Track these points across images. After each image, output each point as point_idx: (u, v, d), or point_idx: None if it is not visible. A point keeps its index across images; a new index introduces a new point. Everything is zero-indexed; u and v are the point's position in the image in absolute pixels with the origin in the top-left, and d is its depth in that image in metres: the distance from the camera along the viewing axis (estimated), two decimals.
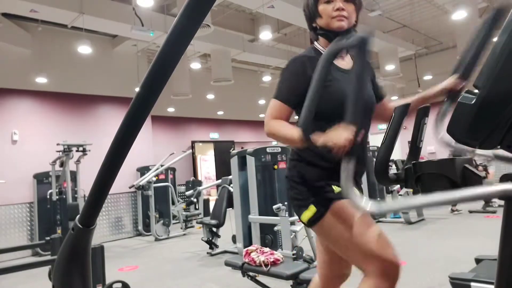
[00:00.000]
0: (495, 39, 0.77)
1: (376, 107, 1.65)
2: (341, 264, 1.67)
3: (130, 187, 6.97)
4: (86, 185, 5.45)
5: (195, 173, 12.06)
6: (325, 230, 1.50)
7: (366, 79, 1.16)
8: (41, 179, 6.54)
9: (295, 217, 4.15)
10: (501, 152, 0.97)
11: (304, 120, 1.24)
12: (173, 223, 7.65)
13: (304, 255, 3.94)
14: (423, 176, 0.98)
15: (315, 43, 1.66)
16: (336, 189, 1.47)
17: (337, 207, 1.46)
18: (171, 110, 10.85)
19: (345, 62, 1.62)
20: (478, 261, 2.33)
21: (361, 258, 1.39)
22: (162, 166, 7.32)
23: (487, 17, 1.20)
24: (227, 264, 3.26)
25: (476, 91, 0.77)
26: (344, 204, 1.46)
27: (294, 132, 1.38)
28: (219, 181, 6.05)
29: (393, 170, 5.56)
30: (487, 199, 6.61)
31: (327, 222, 1.46)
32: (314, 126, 1.28)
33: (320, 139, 1.25)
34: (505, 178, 0.80)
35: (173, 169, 8.59)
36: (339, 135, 1.19)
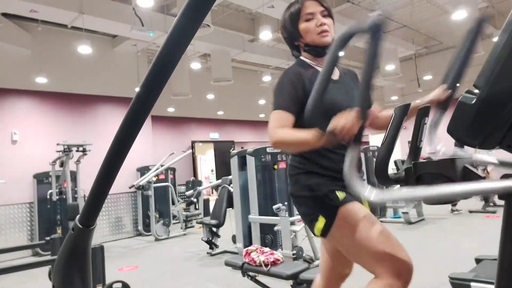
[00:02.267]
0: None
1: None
2: (343, 264, 1.68)
3: (130, 187, 6.97)
4: (86, 185, 5.45)
5: (195, 173, 12.06)
6: (337, 238, 1.49)
7: (378, 65, 1.15)
8: (41, 179, 6.54)
9: (295, 217, 4.15)
10: (505, 158, 0.98)
11: (313, 105, 1.21)
12: (173, 223, 7.65)
13: (304, 255, 3.94)
14: (423, 176, 0.98)
15: (301, 57, 1.68)
16: (340, 195, 1.47)
17: (344, 213, 1.45)
18: (171, 110, 10.85)
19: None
20: (478, 261, 2.33)
21: (374, 261, 1.37)
22: (162, 166, 7.32)
23: (470, 27, 1.23)
24: (227, 264, 3.26)
25: (476, 91, 0.77)
26: (350, 208, 1.45)
27: (305, 133, 1.34)
28: (219, 181, 6.05)
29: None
30: (488, 195, 6.61)
31: (337, 229, 1.45)
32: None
33: (328, 127, 1.24)
34: (507, 176, 0.80)
35: (173, 169, 8.59)
36: (346, 119, 1.20)
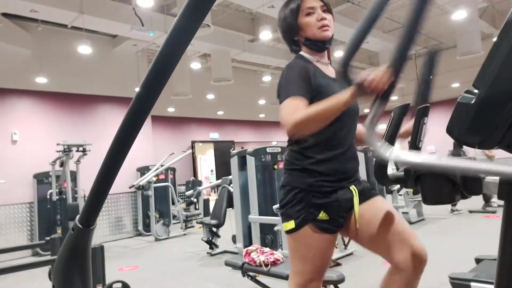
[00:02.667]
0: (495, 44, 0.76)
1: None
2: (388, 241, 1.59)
3: (130, 187, 6.97)
4: (86, 185, 5.45)
5: (195, 173, 12.06)
6: (289, 243, 1.60)
7: (422, 24, 1.08)
8: (41, 179, 6.54)
9: None
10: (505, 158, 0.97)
11: (348, 52, 1.12)
12: (173, 223, 7.66)
13: None
14: (423, 176, 0.98)
15: (301, 53, 1.67)
16: (322, 216, 1.50)
17: (305, 233, 1.52)
18: (171, 110, 10.85)
19: (330, 71, 1.65)
20: (478, 261, 2.33)
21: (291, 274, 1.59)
22: (162, 166, 7.32)
23: (424, 59, 1.31)
24: (227, 264, 3.26)
25: (476, 91, 0.77)
26: (312, 236, 1.52)
27: (330, 99, 1.30)
28: (219, 181, 6.05)
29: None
30: (488, 195, 6.59)
31: (292, 239, 1.57)
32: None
33: (359, 76, 1.19)
34: None
35: (173, 169, 8.59)
36: (377, 73, 1.15)
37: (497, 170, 0.71)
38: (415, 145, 1.14)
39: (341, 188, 1.54)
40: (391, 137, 1.12)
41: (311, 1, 1.59)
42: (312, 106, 1.37)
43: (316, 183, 1.52)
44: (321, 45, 1.61)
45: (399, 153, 0.82)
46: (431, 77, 1.27)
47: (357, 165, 1.66)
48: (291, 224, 1.53)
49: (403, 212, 6.55)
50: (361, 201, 1.55)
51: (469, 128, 0.78)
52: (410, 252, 1.44)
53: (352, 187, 1.56)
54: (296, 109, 1.38)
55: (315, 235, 1.51)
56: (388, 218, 1.50)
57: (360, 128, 1.70)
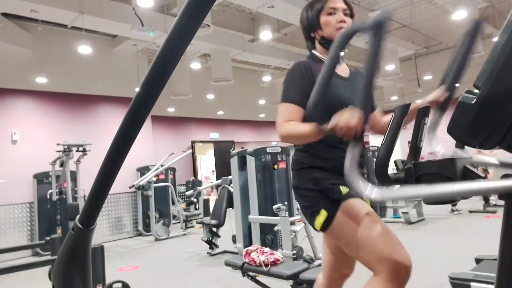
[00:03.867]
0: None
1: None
2: (346, 263, 1.68)
3: (130, 187, 6.97)
4: (86, 185, 5.45)
5: (195, 173, 12.06)
6: (337, 232, 1.48)
7: (380, 63, 1.16)
8: (41, 179, 6.54)
9: (295, 217, 4.15)
10: (506, 159, 0.98)
11: (314, 101, 1.21)
12: (173, 223, 7.65)
13: (304, 255, 3.94)
14: (423, 176, 0.97)
15: (313, 51, 1.70)
16: (344, 189, 1.47)
17: (346, 207, 1.45)
18: (171, 110, 10.85)
19: (342, 69, 1.66)
20: (478, 261, 2.33)
21: (373, 258, 1.37)
22: (162, 166, 7.32)
23: (468, 29, 1.24)
24: (227, 264, 3.26)
25: (476, 91, 0.77)
26: (352, 203, 1.46)
27: (306, 126, 1.38)
28: (219, 181, 6.05)
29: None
30: (489, 195, 6.61)
31: (338, 223, 1.45)
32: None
33: (330, 123, 1.26)
34: (507, 176, 0.80)
35: (173, 169, 8.59)
36: (348, 117, 1.21)
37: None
38: (415, 145, 1.14)
39: None
40: (392, 138, 1.12)
41: (335, 2, 1.62)
42: (294, 125, 1.46)
43: (328, 175, 1.52)
44: None
45: (377, 191, 0.89)
46: (469, 51, 1.26)
47: (364, 162, 1.65)
48: (323, 214, 1.46)
49: (403, 212, 6.55)
50: None
51: (469, 128, 0.78)
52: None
53: None
54: (287, 118, 1.49)
55: (354, 201, 1.45)
56: None
57: (375, 116, 1.71)
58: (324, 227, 1.48)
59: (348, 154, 1.14)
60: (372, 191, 0.90)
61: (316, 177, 1.52)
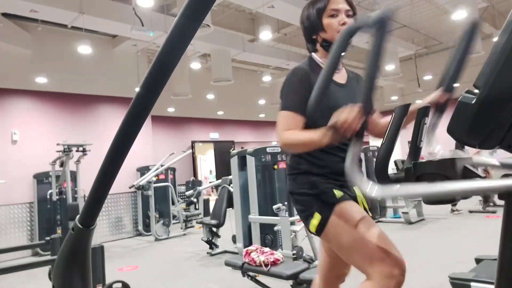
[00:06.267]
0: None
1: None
2: (342, 265, 1.68)
3: (130, 187, 6.97)
4: (86, 185, 5.45)
5: (195, 173, 12.06)
6: (330, 235, 1.48)
7: (382, 62, 1.14)
8: (41, 179, 6.54)
9: (295, 217, 4.15)
10: (506, 160, 0.98)
11: (315, 97, 1.20)
12: (173, 223, 7.65)
13: (304, 255, 3.94)
14: (423, 176, 0.97)
15: (313, 54, 1.66)
16: (337, 193, 1.48)
17: (340, 211, 1.45)
18: (171, 110, 10.85)
19: (340, 75, 1.64)
20: (478, 261, 2.33)
21: (366, 262, 1.36)
22: (162, 166, 7.32)
23: (465, 29, 1.23)
24: (227, 264, 3.26)
25: (476, 91, 0.77)
26: (346, 206, 1.46)
27: (310, 133, 1.37)
28: (219, 181, 6.05)
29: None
30: (489, 194, 6.61)
31: (332, 226, 1.45)
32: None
33: (330, 122, 1.25)
34: (507, 176, 0.80)
35: (173, 169, 8.59)
36: (348, 114, 1.21)
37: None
38: (415, 145, 1.14)
39: (345, 187, 1.55)
40: (392, 138, 1.12)
41: (337, 3, 1.57)
42: (296, 133, 1.45)
43: (322, 180, 1.53)
44: None
45: (378, 188, 0.90)
46: (467, 52, 1.25)
47: (359, 167, 1.66)
48: (317, 217, 1.46)
49: (403, 212, 6.55)
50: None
51: (469, 128, 0.78)
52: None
53: (356, 188, 1.56)
54: (287, 127, 1.48)
55: (347, 205, 1.46)
56: None
57: (374, 119, 1.70)
58: (319, 230, 1.48)
59: (349, 152, 1.13)
60: (372, 189, 0.91)
61: (311, 182, 1.53)
